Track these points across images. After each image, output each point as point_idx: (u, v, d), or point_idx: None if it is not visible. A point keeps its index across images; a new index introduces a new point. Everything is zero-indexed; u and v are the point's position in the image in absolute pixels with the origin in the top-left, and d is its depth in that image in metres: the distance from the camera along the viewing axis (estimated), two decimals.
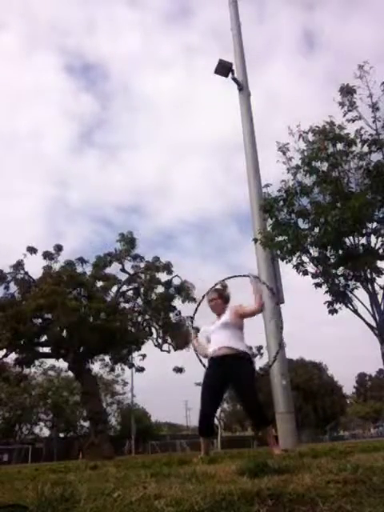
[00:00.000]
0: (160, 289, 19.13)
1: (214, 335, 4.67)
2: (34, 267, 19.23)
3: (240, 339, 4.62)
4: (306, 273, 7.84)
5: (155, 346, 19.07)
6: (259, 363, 46.15)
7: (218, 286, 5.10)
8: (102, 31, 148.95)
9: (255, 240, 8.80)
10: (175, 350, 18.65)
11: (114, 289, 19.19)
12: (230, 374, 4.43)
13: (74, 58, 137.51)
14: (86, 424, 35.22)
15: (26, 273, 18.45)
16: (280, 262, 8.46)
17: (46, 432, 45.31)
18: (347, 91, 7.59)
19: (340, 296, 7.69)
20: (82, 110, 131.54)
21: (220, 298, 4.94)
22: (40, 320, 17.39)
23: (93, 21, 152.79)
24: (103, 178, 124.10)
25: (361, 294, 7.57)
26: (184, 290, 18.60)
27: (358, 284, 7.57)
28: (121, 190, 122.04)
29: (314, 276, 7.86)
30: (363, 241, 7.52)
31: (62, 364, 24.93)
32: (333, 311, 7.78)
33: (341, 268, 7.74)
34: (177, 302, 18.97)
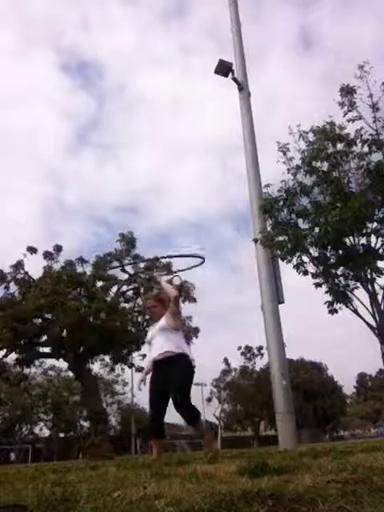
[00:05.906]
0: None
1: (154, 340, 4.70)
2: (34, 267, 19.25)
3: (176, 341, 4.61)
4: (306, 273, 7.85)
5: None
6: (260, 363, 46.12)
7: (155, 291, 5.03)
8: (98, 29, 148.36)
9: (255, 240, 8.79)
10: None
11: (114, 289, 19.22)
12: (166, 374, 4.51)
13: (70, 57, 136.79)
14: (86, 424, 35.18)
15: (26, 273, 18.47)
16: (280, 261, 8.47)
17: (46, 432, 45.33)
18: (347, 91, 7.60)
19: (340, 296, 7.70)
20: (78, 109, 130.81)
21: (158, 302, 4.83)
22: (40, 320, 17.39)
23: (88, 19, 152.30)
24: (100, 178, 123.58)
25: (361, 294, 7.59)
26: (184, 290, 18.60)
27: (358, 284, 7.58)
28: (118, 190, 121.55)
29: (314, 276, 7.87)
30: (363, 241, 7.54)
31: (62, 364, 24.93)
32: (333, 311, 7.80)
33: (341, 268, 7.76)
34: None
